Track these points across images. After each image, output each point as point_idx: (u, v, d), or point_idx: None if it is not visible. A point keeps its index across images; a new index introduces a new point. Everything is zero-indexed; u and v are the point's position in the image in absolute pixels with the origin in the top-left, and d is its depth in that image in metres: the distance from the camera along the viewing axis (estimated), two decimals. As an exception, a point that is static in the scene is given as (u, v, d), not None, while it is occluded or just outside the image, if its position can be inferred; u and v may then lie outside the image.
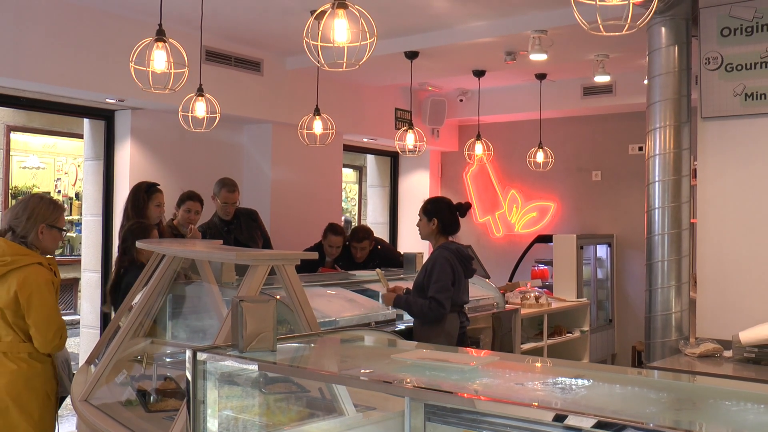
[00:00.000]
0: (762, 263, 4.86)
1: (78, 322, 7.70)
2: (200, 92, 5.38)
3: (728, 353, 4.46)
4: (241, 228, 6.67)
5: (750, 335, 4.32)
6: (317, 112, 6.61)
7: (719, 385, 2.66)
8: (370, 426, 2.92)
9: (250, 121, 7.80)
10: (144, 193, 5.80)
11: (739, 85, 4.90)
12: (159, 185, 5.94)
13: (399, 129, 8.17)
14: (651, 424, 1.76)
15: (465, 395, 2.15)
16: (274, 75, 7.71)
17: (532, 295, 7.61)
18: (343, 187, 9.36)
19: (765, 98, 4.84)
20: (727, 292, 4.96)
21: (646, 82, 5.11)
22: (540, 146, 8.68)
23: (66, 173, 10.72)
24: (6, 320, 3.98)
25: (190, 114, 5.44)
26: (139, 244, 4.51)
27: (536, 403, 2.04)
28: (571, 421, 1.84)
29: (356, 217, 13.68)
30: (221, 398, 2.59)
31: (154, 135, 7.12)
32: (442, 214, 5.15)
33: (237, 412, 2.72)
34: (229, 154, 7.92)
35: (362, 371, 2.50)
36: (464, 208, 5.26)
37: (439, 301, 4.89)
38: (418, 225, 5.28)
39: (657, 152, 4.91)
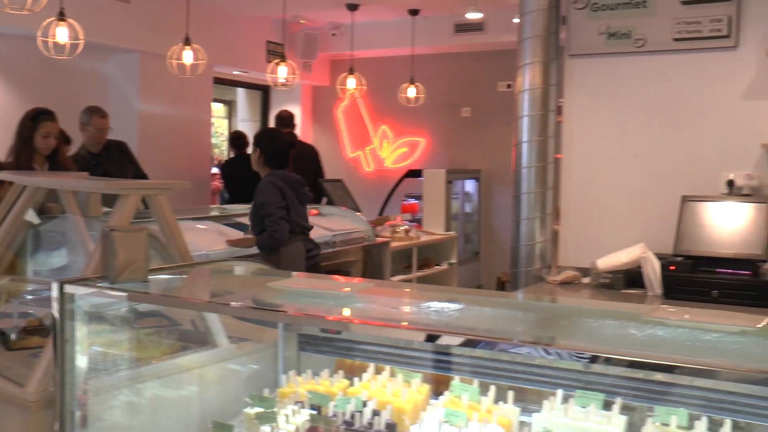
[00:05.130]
0: (620, 196, 5.11)
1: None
2: (62, 17, 5.12)
3: (587, 280, 4.70)
4: (111, 160, 6.29)
5: (606, 262, 4.55)
6: (187, 41, 6.41)
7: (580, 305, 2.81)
8: (244, 357, 2.92)
9: (116, 50, 7.48)
10: (30, 121, 5.16)
11: (603, 24, 5.08)
12: (52, 112, 5.26)
13: (271, 62, 8.04)
14: (515, 340, 1.86)
15: (334, 318, 2.18)
16: (141, 1, 7.40)
17: (402, 228, 7.72)
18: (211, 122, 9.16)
19: (626, 37, 5.03)
20: (588, 223, 5.20)
21: (516, 20, 5.20)
22: (412, 82, 8.74)
23: None
24: None
25: (51, 39, 5.17)
26: (-1, 174, 4.26)
27: (408, 324, 2.09)
28: (445, 340, 1.91)
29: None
30: (90, 334, 2.51)
31: (11, 62, 6.74)
32: (263, 144, 5.15)
33: (107, 348, 2.66)
34: (94, 84, 7.60)
35: (235, 300, 2.49)
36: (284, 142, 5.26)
37: (276, 220, 4.85)
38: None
39: (526, 87, 5.03)
